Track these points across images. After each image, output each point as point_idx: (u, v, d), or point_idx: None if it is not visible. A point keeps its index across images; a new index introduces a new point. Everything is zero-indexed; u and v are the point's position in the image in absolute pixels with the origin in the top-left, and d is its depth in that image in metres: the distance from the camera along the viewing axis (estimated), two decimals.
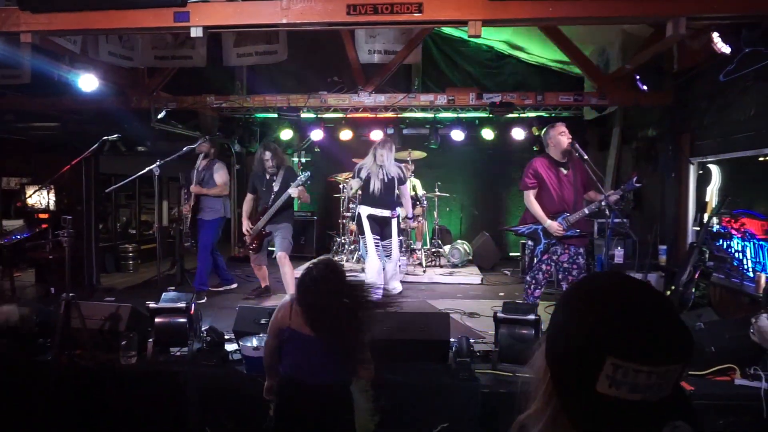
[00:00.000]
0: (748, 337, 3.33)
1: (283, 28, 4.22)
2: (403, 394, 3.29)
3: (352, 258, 8.13)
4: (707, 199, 5.68)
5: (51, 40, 4.88)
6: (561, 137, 4.49)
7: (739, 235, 4.88)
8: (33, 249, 6.46)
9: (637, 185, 4.34)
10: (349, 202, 8.34)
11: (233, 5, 3.93)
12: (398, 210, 5.84)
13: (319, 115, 7.99)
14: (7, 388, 3.40)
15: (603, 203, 4.32)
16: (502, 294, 6.50)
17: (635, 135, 7.16)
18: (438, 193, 8.18)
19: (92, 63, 5.93)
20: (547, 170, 4.54)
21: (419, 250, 8.01)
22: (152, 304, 3.82)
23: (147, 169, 5.43)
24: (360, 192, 5.90)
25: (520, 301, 4.45)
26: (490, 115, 7.04)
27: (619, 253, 5.77)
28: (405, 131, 8.63)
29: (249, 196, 5.92)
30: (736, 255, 4.90)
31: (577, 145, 4.46)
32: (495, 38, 7.70)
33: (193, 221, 6.24)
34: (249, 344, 3.45)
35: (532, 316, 3.58)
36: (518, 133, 8.10)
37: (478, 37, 3.93)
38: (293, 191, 5.48)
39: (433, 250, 8.26)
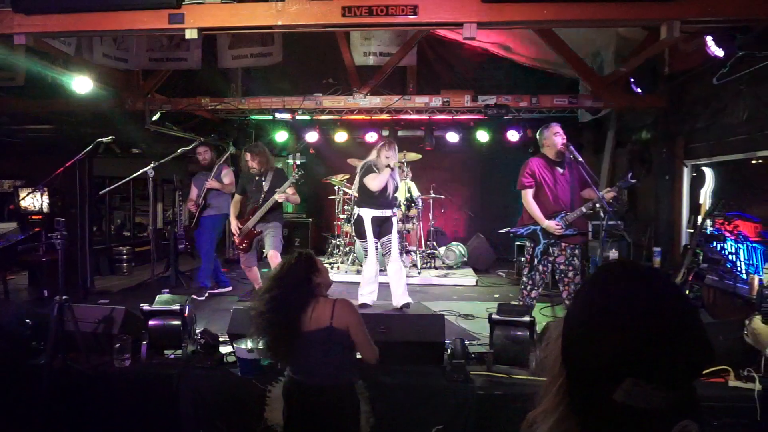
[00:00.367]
0: (742, 339, 3.34)
1: (278, 29, 4.21)
2: (398, 396, 3.28)
3: (347, 260, 8.12)
4: (701, 202, 5.71)
5: (45, 41, 4.86)
6: (555, 138, 4.52)
7: (732, 238, 4.91)
8: (26, 252, 6.41)
9: (633, 182, 4.37)
10: (344, 204, 8.34)
11: (228, 7, 3.92)
12: (396, 209, 5.79)
13: (314, 117, 7.99)
14: None
15: (600, 201, 4.33)
16: (497, 296, 6.51)
17: (629, 138, 7.19)
18: (433, 195, 8.19)
19: (86, 65, 5.90)
20: (543, 170, 4.55)
21: (414, 251, 8.01)
22: (146, 307, 3.80)
23: (141, 171, 5.42)
24: (360, 193, 5.73)
25: (515, 303, 4.46)
26: (485, 117, 7.05)
27: (613, 255, 5.79)
28: (400, 133, 8.64)
29: (237, 198, 5.89)
30: (730, 257, 4.93)
31: (571, 147, 4.48)
32: (490, 40, 7.72)
33: (196, 222, 6.34)
34: (243, 347, 3.44)
35: (527, 318, 3.58)
36: (513, 135, 8.12)
37: (473, 39, 3.94)
38: (279, 197, 5.49)
39: (428, 251, 8.27)
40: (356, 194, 5.87)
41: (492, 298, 6.37)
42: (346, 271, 7.65)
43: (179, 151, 5.73)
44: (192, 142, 6.21)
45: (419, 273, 7.57)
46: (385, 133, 8.31)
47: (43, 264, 6.27)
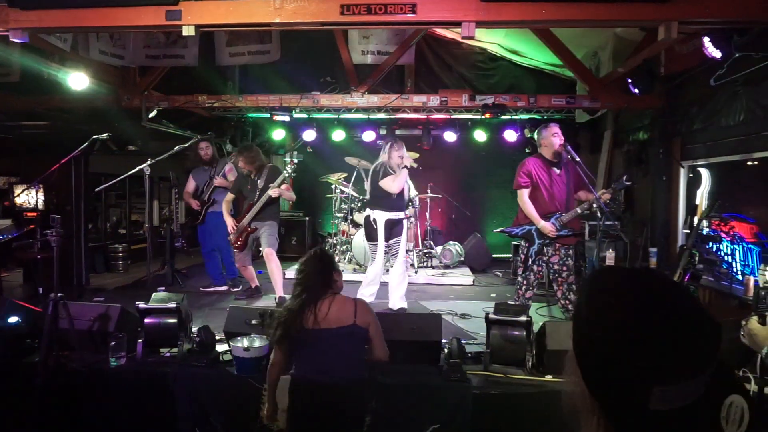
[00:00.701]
0: (738, 340, 3.35)
1: (276, 27, 4.20)
2: (394, 395, 3.28)
3: (344, 259, 8.11)
4: (697, 203, 5.73)
5: (41, 37, 4.83)
6: (554, 138, 4.52)
7: (728, 239, 4.92)
8: (21, 249, 6.38)
9: (628, 183, 4.38)
10: (341, 203, 8.33)
11: (226, 4, 3.90)
12: (409, 210, 5.73)
13: (311, 116, 7.97)
14: None
15: (595, 204, 4.34)
16: (493, 295, 6.51)
17: (626, 138, 7.21)
18: (430, 194, 8.19)
19: (83, 61, 5.87)
20: (539, 170, 4.56)
21: (411, 251, 8.01)
22: (142, 305, 3.78)
23: (137, 168, 5.40)
24: (373, 195, 5.53)
25: (512, 303, 4.46)
26: (483, 117, 7.05)
27: (610, 255, 5.79)
28: (398, 132, 8.63)
29: (230, 196, 5.88)
30: (726, 258, 4.94)
31: (569, 147, 4.49)
32: (488, 40, 7.72)
33: (203, 218, 6.41)
34: (239, 345, 3.43)
35: (523, 318, 3.58)
36: (510, 135, 8.12)
37: (472, 38, 3.94)
38: (273, 192, 5.47)
39: (425, 251, 8.27)
40: (367, 196, 5.72)
41: (489, 297, 6.37)
42: (342, 270, 7.62)
43: (176, 148, 5.72)
44: (189, 140, 6.19)
45: (416, 272, 7.57)
46: (383, 132, 8.29)
47: (38, 261, 6.23)
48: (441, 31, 7.92)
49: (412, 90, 7.63)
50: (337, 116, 7.88)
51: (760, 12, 3.72)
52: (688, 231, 5.52)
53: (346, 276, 7.22)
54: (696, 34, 4.61)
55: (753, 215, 4.87)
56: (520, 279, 4.70)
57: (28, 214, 7.08)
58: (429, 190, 8.19)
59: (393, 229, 5.51)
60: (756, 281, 4.36)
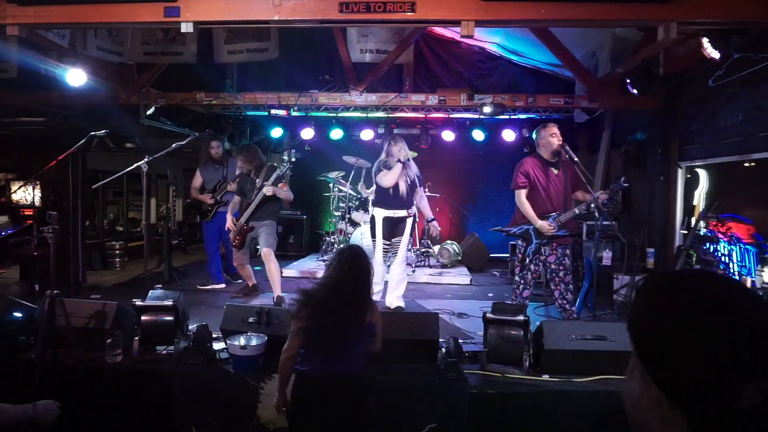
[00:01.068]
0: None
1: (274, 25, 4.18)
2: (391, 395, 3.28)
3: None
4: (695, 203, 5.74)
5: (38, 33, 4.81)
6: (552, 138, 4.52)
7: (725, 239, 4.93)
8: (18, 245, 6.37)
9: (625, 185, 4.37)
10: (339, 201, 8.32)
11: (225, 1, 3.89)
12: (414, 209, 5.58)
13: (309, 114, 7.96)
14: None
15: (592, 204, 4.34)
16: (491, 295, 6.52)
17: (625, 138, 7.21)
18: (428, 194, 8.17)
19: (80, 58, 5.85)
20: (537, 170, 4.56)
21: (409, 250, 8.01)
22: (139, 302, 3.77)
23: (135, 165, 5.38)
24: (375, 193, 5.55)
25: (509, 302, 4.46)
26: (481, 117, 7.05)
27: (607, 256, 5.80)
28: (396, 131, 8.62)
29: (236, 198, 5.88)
30: (723, 259, 4.95)
31: (567, 147, 4.49)
32: (487, 39, 7.72)
33: (213, 215, 6.52)
34: (236, 343, 3.43)
35: (521, 317, 3.58)
36: (509, 135, 8.12)
37: (471, 37, 3.93)
38: (267, 190, 5.46)
39: (423, 250, 8.27)
40: (372, 195, 5.70)
41: (486, 297, 6.38)
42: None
43: (173, 145, 5.70)
44: (187, 137, 6.17)
45: (413, 271, 7.57)
46: (381, 130, 8.28)
47: (34, 258, 6.22)
48: (440, 30, 7.92)
49: (410, 89, 7.62)
50: (335, 115, 7.86)
51: (758, 13, 3.72)
52: (686, 232, 5.53)
53: None
54: (695, 34, 4.61)
55: (750, 216, 4.88)
56: (517, 278, 4.70)
57: (25, 210, 7.06)
58: (427, 190, 8.18)
59: (395, 227, 5.47)
60: (753, 282, 4.37)
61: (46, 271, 3.64)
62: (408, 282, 6.07)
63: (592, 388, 3.32)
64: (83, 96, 6.42)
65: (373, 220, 5.56)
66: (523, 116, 7.76)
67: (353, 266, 2.80)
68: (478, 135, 8.39)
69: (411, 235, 5.64)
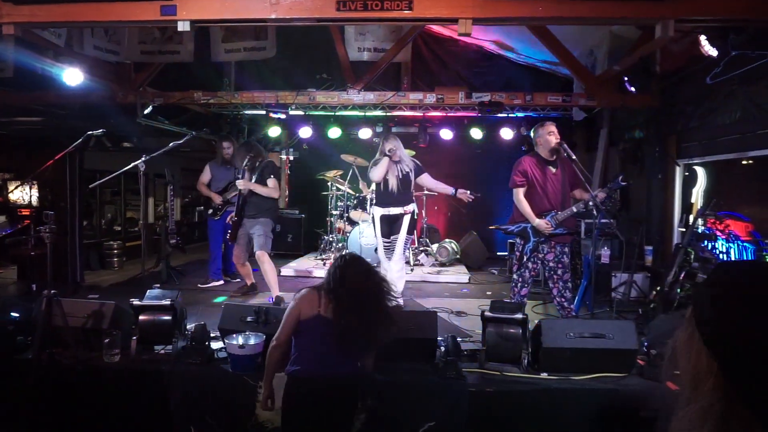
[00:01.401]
0: None
1: (272, 23, 4.19)
2: (389, 393, 3.27)
3: None
4: (693, 201, 5.74)
5: (35, 32, 4.79)
6: (549, 137, 4.52)
7: (723, 237, 4.94)
8: (15, 245, 6.35)
9: (623, 184, 4.38)
10: (337, 200, 8.31)
11: None
12: (412, 206, 5.55)
13: (307, 113, 7.95)
14: None
15: (590, 202, 4.35)
16: (489, 293, 6.52)
17: (622, 136, 7.21)
18: (426, 192, 8.18)
19: (77, 57, 5.83)
20: (535, 169, 4.56)
21: (407, 248, 8.01)
22: (136, 302, 3.76)
23: (132, 164, 5.37)
24: (375, 192, 5.61)
25: (508, 300, 4.46)
26: (479, 114, 7.05)
27: (605, 254, 5.80)
28: (394, 129, 8.62)
29: None
30: (721, 256, 4.95)
31: (565, 145, 4.48)
32: (485, 38, 7.71)
33: (222, 212, 6.56)
34: (234, 342, 3.42)
35: (519, 315, 3.58)
36: (507, 133, 8.12)
37: (468, 35, 3.93)
38: (239, 184, 5.51)
39: (421, 248, 8.27)
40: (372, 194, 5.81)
41: (484, 295, 6.38)
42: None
43: (171, 145, 5.68)
44: (184, 137, 6.16)
45: (412, 270, 7.57)
46: (379, 129, 8.28)
47: (32, 258, 6.20)
48: (438, 29, 7.91)
49: (408, 87, 7.62)
50: (333, 113, 7.85)
51: (755, 11, 3.73)
52: (684, 229, 5.53)
53: None
54: (693, 32, 4.61)
55: (748, 214, 4.89)
56: (515, 277, 4.70)
57: (22, 210, 7.05)
58: (425, 188, 8.18)
59: (393, 225, 5.47)
60: None
61: (44, 270, 3.62)
62: (406, 280, 6.09)
63: (591, 386, 3.32)
64: (80, 95, 6.41)
65: (373, 219, 5.62)
66: (521, 114, 7.75)
67: (361, 271, 2.77)
68: (476, 133, 8.39)
69: (411, 233, 5.58)
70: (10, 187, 7.10)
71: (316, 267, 7.59)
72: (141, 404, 3.39)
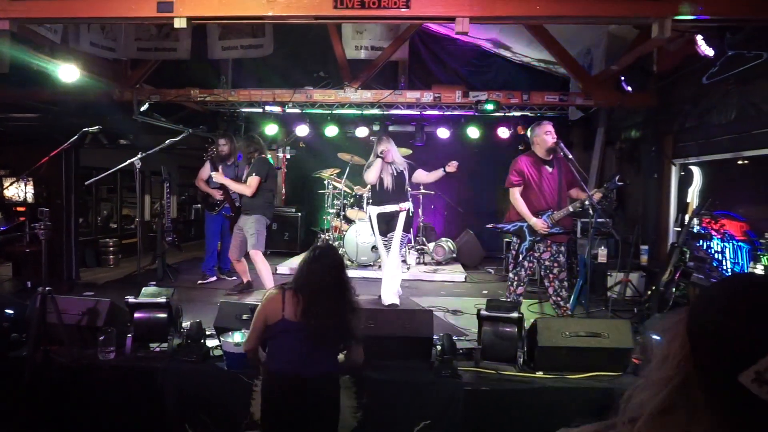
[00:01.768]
0: None
1: (269, 20, 4.18)
2: (385, 391, 3.27)
3: None
4: (688, 200, 5.76)
5: (30, 28, 4.77)
6: (546, 136, 4.52)
7: (718, 236, 4.95)
8: (9, 242, 6.32)
9: (620, 183, 4.39)
10: (333, 198, 8.31)
11: None
12: (407, 204, 5.63)
13: (304, 111, 7.93)
14: None
15: (587, 201, 4.36)
16: (485, 292, 6.52)
17: (619, 136, 7.23)
18: (423, 191, 8.18)
19: (73, 53, 5.80)
20: (532, 168, 4.56)
21: (405, 246, 8.01)
22: (132, 299, 3.75)
23: (128, 161, 5.35)
24: (370, 191, 5.73)
25: (504, 299, 4.47)
26: (476, 114, 7.05)
27: (602, 253, 5.82)
28: (391, 128, 8.62)
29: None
30: (716, 256, 4.97)
31: (562, 145, 4.49)
32: (482, 36, 7.71)
33: (216, 210, 6.68)
34: (230, 340, 3.41)
35: (515, 314, 3.58)
36: (503, 132, 8.13)
37: (466, 34, 3.92)
38: (213, 175, 5.72)
39: (418, 247, 8.27)
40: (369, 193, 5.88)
41: (480, 294, 6.38)
42: None
43: (167, 142, 5.67)
44: (180, 134, 6.14)
45: (408, 268, 7.58)
46: (376, 128, 8.27)
47: (27, 255, 6.18)
48: (435, 27, 7.91)
49: (405, 86, 7.61)
50: (330, 111, 7.84)
51: (751, 10, 3.74)
52: (679, 229, 5.54)
53: None
54: (689, 31, 4.62)
55: (743, 213, 4.90)
56: (511, 275, 4.71)
57: (18, 207, 7.01)
58: (422, 187, 8.18)
59: (389, 223, 5.56)
60: None
61: (39, 268, 3.61)
62: (403, 279, 6.11)
63: (586, 385, 3.32)
64: (76, 92, 6.37)
65: (370, 218, 5.69)
66: (517, 113, 7.76)
67: (326, 264, 2.70)
68: (473, 132, 8.39)
69: (407, 231, 5.66)
70: (6, 184, 7.06)
71: None
72: (136, 402, 3.38)
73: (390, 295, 5.46)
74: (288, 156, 10.10)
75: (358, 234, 7.55)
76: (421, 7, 3.77)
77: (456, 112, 7.96)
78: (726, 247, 4.89)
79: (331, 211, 8.29)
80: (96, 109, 6.70)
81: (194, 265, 7.60)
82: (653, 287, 4.96)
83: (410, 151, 8.27)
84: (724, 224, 4.90)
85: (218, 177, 5.71)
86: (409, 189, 5.76)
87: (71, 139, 4.85)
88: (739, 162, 5.12)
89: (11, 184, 6.86)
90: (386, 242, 5.57)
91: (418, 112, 7.90)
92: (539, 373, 3.43)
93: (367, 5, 3.74)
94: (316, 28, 7.04)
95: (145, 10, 3.84)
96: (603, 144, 7.66)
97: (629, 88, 5.99)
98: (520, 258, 4.58)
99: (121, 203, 9.64)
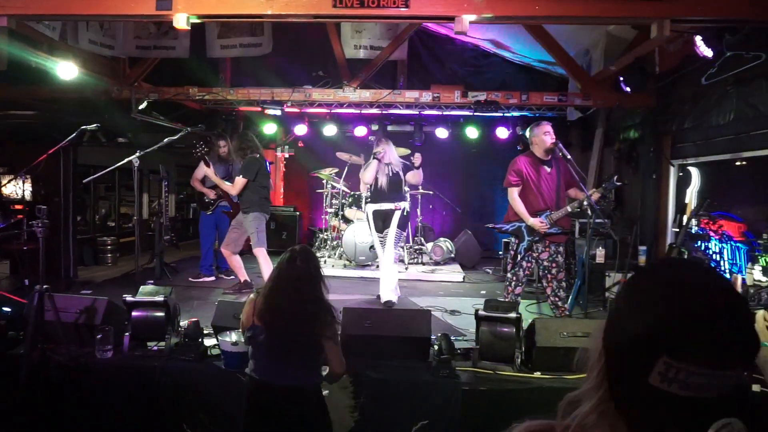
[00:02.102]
0: None
1: (268, 19, 4.17)
2: (383, 391, 3.27)
3: (335, 254, 8.09)
4: (687, 201, 5.76)
5: (28, 25, 4.76)
6: (545, 137, 4.52)
7: (716, 237, 4.95)
8: (7, 240, 6.31)
9: (618, 184, 4.39)
10: (332, 198, 8.30)
11: None
12: (403, 203, 5.69)
13: (303, 110, 7.93)
14: None
15: (585, 202, 4.36)
16: (483, 292, 6.52)
17: (617, 136, 7.23)
18: (421, 191, 8.18)
19: (72, 51, 5.79)
20: (530, 168, 4.56)
21: (402, 247, 8.01)
22: (129, 298, 3.74)
23: (126, 160, 5.34)
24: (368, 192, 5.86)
25: (502, 299, 4.47)
26: (475, 114, 7.05)
27: (600, 253, 5.82)
28: (389, 128, 8.61)
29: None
30: (714, 256, 4.97)
31: (560, 145, 4.49)
32: (481, 36, 7.71)
33: (211, 210, 6.71)
34: (228, 339, 3.41)
35: (513, 314, 3.58)
36: (502, 132, 8.13)
37: (465, 34, 3.92)
38: (206, 171, 5.85)
39: (416, 247, 8.27)
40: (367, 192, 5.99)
41: (478, 294, 6.38)
42: (332, 266, 7.63)
43: (165, 140, 5.66)
44: (179, 132, 6.13)
45: (406, 268, 7.57)
46: (375, 127, 8.27)
47: (24, 253, 6.16)
48: (434, 27, 7.91)
49: (404, 85, 7.61)
50: (329, 111, 7.83)
51: (750, 11, 3.74)
52: (677, 229, 5.55)
53: (336, 271, 7.28)
54: (688, 32, 4.62)
55: (741, 214, 4.91)
56: (509, 275, 4.71)
57: (15, 205, 7.00)
58: (420, 187, 8.18)
59: (385, 220, 5.63)
60: (743, 280, 4.39)
61: (36, 266, 3.59)
62: (400, 279, 6.11)
63: None
64: (74, 90, 6.36)
65: (367, 217, 5.77)
66: (516, 114, 7.76)
67: (294, 267, 2.56)
68: (472, 132, 8.40)
69: (403, 229, 5.74)
70: (3, 182, 7.04)
71: None
72: (133, 401, 3.38)
73: (387, 293, 5.46)
74: (286, 155, 10.10)
75: (356, 234, 7.54)
76: (420, 7, 3.77)
77: (455, 112, 7.96)
78: (724, 247, 4.89)
79: (329, 210, 8.29)
80: (94, 107, 6.68)
81: (192, 264, 7.59)
82: None
83: (408, 151, 8.27)
84: (722, 225, 4.90)
85: (208, 173, 5.82)
86: (407, 189, 5.79)
87: (69, 137, 4.84)
88: (738, 163, 5.12)
89: (9, 181, 6.84)
90: (382, 239, 5.64)
91: (417, 112, 7.89)
92: (537, 374, 3.43)
93: (366, 4, 3.73)
94: (315, 27, 7.03)
95: (144, 7, 3.83)
96: (601, 144, 7.67)
97: (628, 89, 5.99)
98: (519, 258, 4.59)
99: (119, 201, 9.62)
